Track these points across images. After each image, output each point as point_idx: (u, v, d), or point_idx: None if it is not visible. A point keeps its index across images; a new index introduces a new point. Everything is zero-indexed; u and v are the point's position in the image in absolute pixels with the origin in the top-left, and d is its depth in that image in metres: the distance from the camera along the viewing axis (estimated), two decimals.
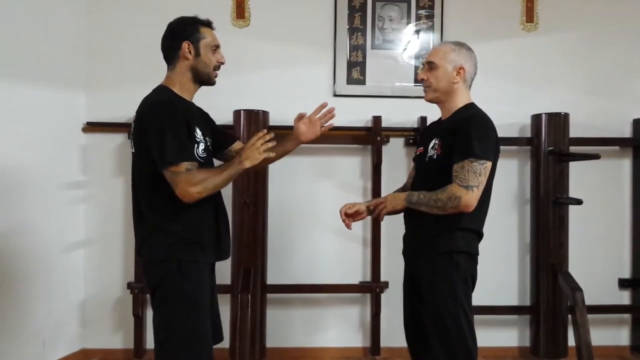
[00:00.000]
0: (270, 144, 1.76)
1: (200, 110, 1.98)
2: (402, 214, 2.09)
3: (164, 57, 1.89)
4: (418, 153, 2.09)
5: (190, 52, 1.82)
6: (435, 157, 1.93)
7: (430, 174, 1.95)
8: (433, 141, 1.97)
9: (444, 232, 1.90)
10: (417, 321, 2.02)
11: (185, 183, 1.66)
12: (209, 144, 1.89)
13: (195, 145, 1.77)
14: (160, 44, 1.89)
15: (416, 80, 3.34)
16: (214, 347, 1.84)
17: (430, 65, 1.99)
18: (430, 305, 1.92)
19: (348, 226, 2.06)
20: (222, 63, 1.92)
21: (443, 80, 1.96)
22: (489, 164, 1.84)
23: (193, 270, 1.75)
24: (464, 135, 1.84)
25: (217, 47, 1.90)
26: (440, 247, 1.90)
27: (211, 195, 1.75)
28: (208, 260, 1.83)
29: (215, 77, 1.91)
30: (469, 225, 1.90)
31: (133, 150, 1.82)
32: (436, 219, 1.88)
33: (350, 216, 2.08)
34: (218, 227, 1.85)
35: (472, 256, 1.94)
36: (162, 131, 1.67)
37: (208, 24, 1.91)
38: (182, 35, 1.83)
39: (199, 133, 1.80)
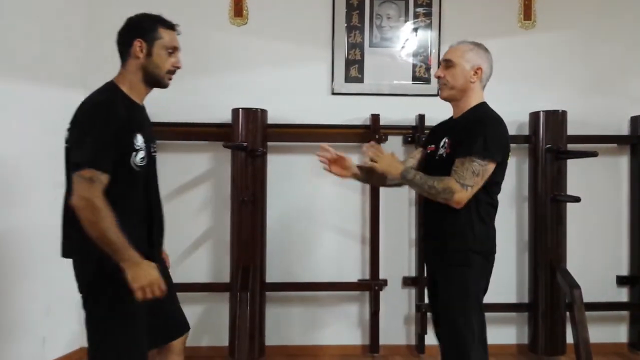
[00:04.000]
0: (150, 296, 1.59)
1: (147, 116, 1.87)
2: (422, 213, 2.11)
3: (119, 52, 1.80)
4: (429, 151, 2.08)
5: (142, 50, 1.73)
6: (444, 155, 1.94)
7: (438, 171, 1.93)
8: (444, 140, 1.98)
9: (459, 231, 1.92)
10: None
11: (82, 190, 1.54)
12: (152, 151, 1.80)
13: (134, 153, 1.67)
14: (116, 38, 1.80)
15: (414, 78, 3.35)
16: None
17: (447, 63, 1.99)
18: (443, 304, 1.96)
19: (323, 161, 2.14)
20: (178, 67, 1.81)
21: (460, 78, 1.97)
22: (490, 166, 1.85)
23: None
24: (472, 133, 1.86)
25: (175, 49, 1.79)
26: (455, 246, 1.93)
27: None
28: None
29: (169, 80, 1.81)
30: (481, 225, 1.93)
31: (67, 146, 1.68)
32: (451, 219, 1.91)
33: (334, 162, 2.14)
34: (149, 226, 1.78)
35: (486, 256, 1.97)
36: (85, 132, 1.59)
37: (170, 26, 1.79)
38: (136, 32, 1.74)
39: (139, 140, 1.69)
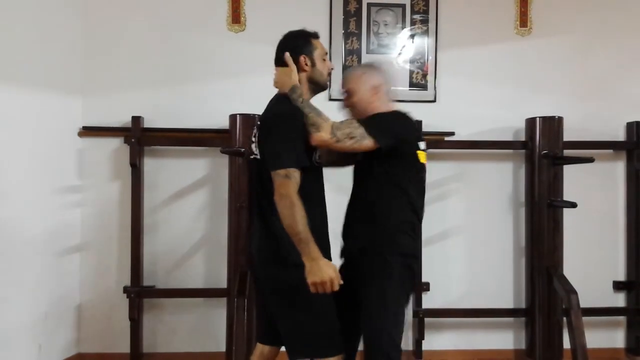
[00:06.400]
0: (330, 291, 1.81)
1: None
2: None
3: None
4: None
5: (307, 64, 1.97)
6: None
7: (361, 161, 2.10)
8: None
9: (379, 231, 1.99)
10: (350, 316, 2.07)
11: (279, 187, 1.76)
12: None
13: (314, 152, 1.93)
14: (278, 59, 2.05)
15: (411, 85, 3.37)
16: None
17: (348, 93, 2.11)
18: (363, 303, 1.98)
19: None
20: (332, 69, 2.08)
21: (363, 102, 2.07)
22: (369, 140, 1.88)
23: None
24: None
25: (326, 54, 2.06)
26: (376, 248, 2.00)
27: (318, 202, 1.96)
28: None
29: (328, 81, 2.08)
30: (403, 222, 1.97)
31: (258, 157, 1.93)
32: (368, 216, 2.02)
33: None
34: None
35: (406, 255, 1.98)
36: (274, 138, 1.81)
37: (317, 36, 2.05)
38: (298, 50, 1.98)
39: None
